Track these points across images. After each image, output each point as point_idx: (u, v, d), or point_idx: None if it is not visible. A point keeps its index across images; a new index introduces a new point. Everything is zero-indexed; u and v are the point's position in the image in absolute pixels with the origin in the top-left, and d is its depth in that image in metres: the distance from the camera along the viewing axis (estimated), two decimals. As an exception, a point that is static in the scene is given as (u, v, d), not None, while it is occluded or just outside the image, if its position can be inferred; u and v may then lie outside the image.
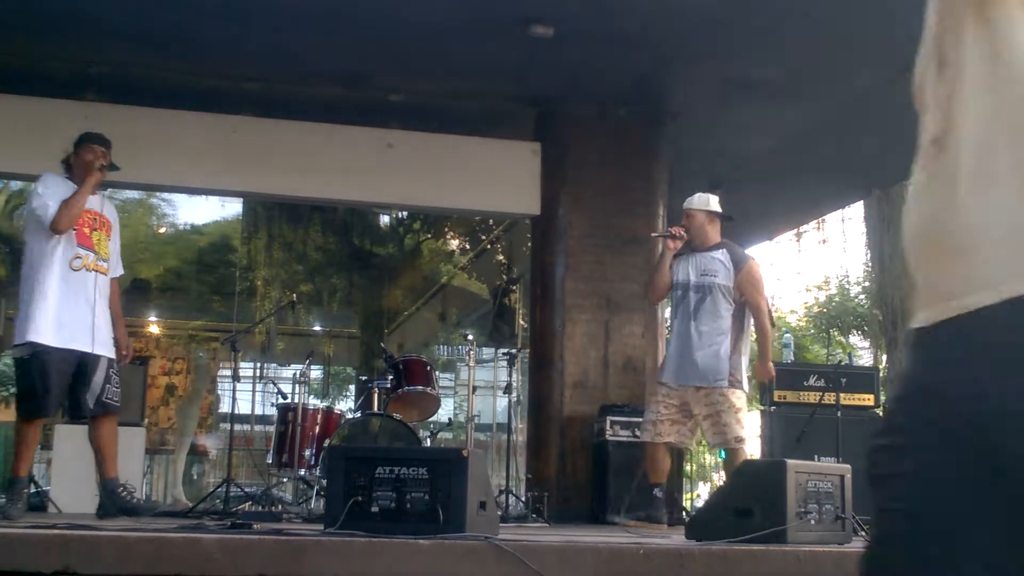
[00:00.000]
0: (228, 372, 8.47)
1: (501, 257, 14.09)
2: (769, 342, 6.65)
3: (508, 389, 8.27)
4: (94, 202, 5.61)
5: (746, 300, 6.42)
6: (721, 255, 6.48)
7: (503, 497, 7.56)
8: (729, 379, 6.26)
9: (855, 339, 22.07)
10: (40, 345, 5.32)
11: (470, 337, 8.31)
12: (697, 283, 6.43)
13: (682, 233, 6.54)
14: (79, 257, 5.47)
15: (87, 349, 5.44)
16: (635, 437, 8.09)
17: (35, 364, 5.34)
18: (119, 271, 5.94)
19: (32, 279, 5.40)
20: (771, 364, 6.70)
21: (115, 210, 6.01)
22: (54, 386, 5.37)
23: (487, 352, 13.35)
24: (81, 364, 5.45)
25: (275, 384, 8.01)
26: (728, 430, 6.24)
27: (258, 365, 11.30)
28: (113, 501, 5.51)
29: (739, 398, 6.33)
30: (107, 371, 5.53)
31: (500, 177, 9.22)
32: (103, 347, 5.53)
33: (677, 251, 6.57)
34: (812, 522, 4.41)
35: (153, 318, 14.96)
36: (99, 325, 5.48)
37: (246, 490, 7.84)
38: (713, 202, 6.62)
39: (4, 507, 5.37)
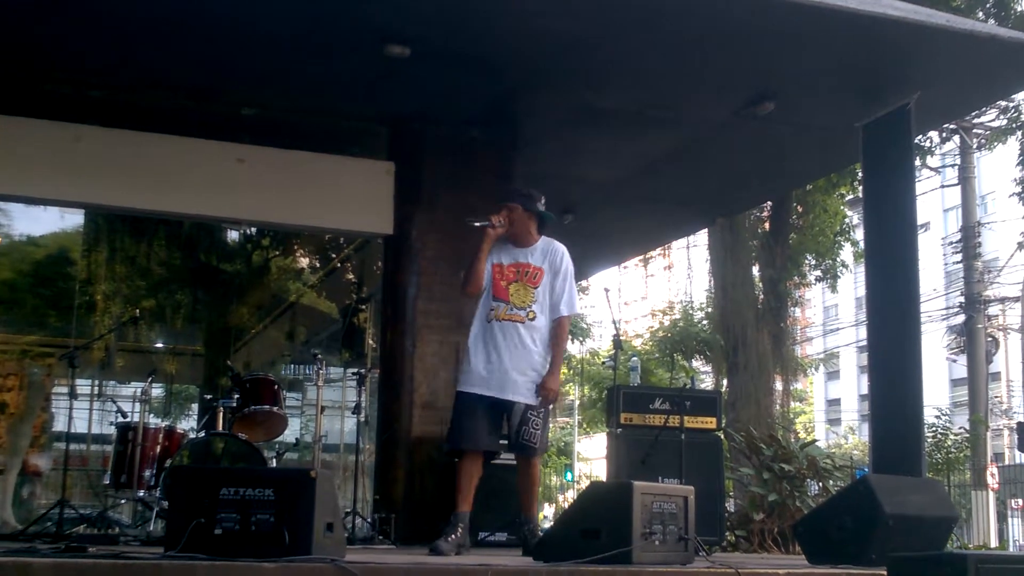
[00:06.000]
0: (64, 389, 8.15)
1: (351, 276, 13.97)
2: None
3: (357, 409, 8.17)
4: None
5: None
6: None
7: (350, 519, 7.49)
8: None
9: (698, 363, 22.71)
10: None
11: (319, 356, 8.21)
12: None
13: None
14: None
15: None
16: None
17: None
18: None
19: None
20: None
21: None
22: None
23: (335, 372, 13.19)
24: None
25: (114, 402, 7.78)
26: None
27: (96, 382, 10.93)
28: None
29: None
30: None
31: (353, 196, 9.14)
32: None
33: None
34: (656, 543, 4.50)
35: (-17, 332, 14.31)
36: None
37: (81, 512, 7.57)
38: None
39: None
